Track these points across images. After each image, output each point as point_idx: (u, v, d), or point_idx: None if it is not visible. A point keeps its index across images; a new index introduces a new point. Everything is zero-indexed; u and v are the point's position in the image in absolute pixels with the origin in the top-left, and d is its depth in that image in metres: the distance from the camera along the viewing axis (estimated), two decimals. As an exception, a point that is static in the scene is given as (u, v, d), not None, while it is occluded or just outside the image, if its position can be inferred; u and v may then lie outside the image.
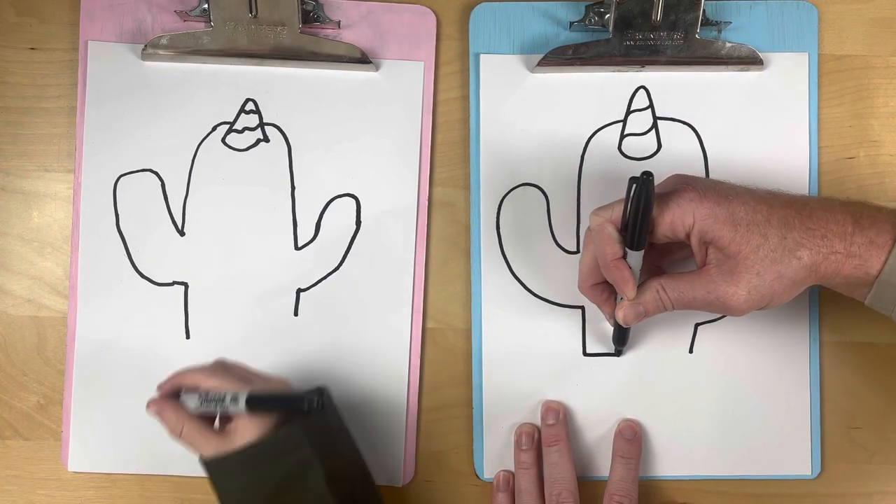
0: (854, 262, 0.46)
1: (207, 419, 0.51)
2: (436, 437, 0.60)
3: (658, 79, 0.59)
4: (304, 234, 0.60)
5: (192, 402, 0.49)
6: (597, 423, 0.59)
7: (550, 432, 0.57)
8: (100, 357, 0.59)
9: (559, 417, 0.58)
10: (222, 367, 0.52)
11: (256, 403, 0.46)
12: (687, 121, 0.59)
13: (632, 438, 0.58)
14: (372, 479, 0.54)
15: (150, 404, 0.50)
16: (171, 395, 0.50)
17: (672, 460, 0.59)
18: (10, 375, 0.60)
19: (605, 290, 0.54)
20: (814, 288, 0.59)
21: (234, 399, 0.47)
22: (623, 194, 0.60)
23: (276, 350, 0.59)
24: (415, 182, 0.60)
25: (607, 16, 0.57)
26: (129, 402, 0.59)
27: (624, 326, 0.54)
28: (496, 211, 0.59)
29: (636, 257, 0.49)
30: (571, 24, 0.58)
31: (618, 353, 0.59)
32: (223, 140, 0.59)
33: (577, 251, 0.59)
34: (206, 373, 0.50)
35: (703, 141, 0.59)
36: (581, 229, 0.59)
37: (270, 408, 0.46)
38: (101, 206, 0.59)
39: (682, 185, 0.49)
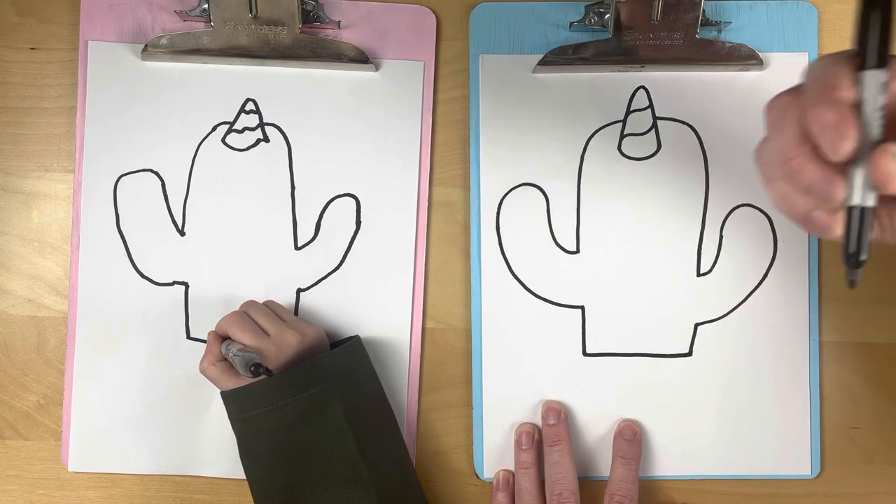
0: None
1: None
2: (436, 437, 0.60)
3: (658, 79, 0.59)
4: (304, 234, 0.60)
5: (222, 348, 0.55)
6: (597, 423, 0.59)
7: (551, 432, 0.57)
8: (100, 357, 0.59)
9: (560, 417, 0.58)
10: (248, 318, 0.55)
11: (238, 363, 0.51)
12: (687, 121, 0.59)
13: (632, 439, 0.58)
14: (397, 426, 0.56)
15: (209, 334, 0.56)
16: (220, 336, 0.56)
17: (672, 460, 0.59)
18: (10, 375, 0.60)
19: (815, 167, 0.33)
20: (813, 288, 0.59)
21: (234, 355, 0.52)
22: (623, 195, 0.60)
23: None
24: (415, 182, 0.60)
25: (607, 16, 0.57)
26: (129, 402, 0.59)
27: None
28: (496, 211, 0.59)
29: (876, 81, 0.32)
30: (571, 24, 0.58)
31: (852, 281, 0.35)
32: (223, 140, 0.59)
33: (577, 251, 0.59)
34: (234, 322, 0.54)
35: (703, 141, 0.59)
36: (581, 229, 0.59)
37: (242, 370, 0.50)
38: (101, 206, 0.59)
39: None
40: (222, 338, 0.55)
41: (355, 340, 0.57)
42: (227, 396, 0.54)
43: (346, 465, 0.51)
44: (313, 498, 0.51)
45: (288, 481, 0.52)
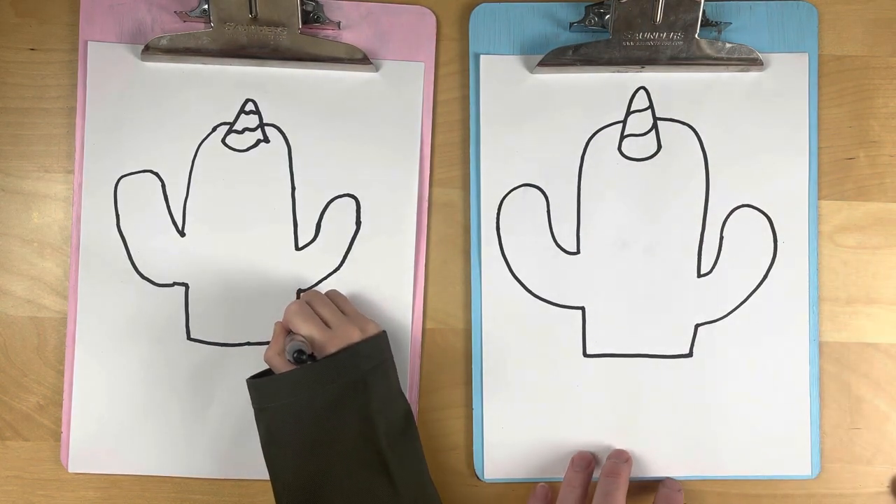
0: None
1: None
2: (435, 437, 0.60)
3: (658, 79, 0.59)
4: (305, 234, 0.60)
5: (285, 343, 0.54)
6: (596, 424, 0.59)
7: (615, 468, 0.57)
8: (100, 357, 0.59)
9: (625, 460, 0.58)
10: (310, 309, 0.55)
11: (292, 356, 0.51)
12: (687, 121, 0.59)
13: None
14: (414, 422, 0.55)
15: (276, 325, 0.55)
16: (286, 328, 0.55)
17: (672, 460, 0.59)
18: (10, 376, 0.60)
19: None
20: (813, 288, 0.59)
21: (287, 341, 0.52)
22: (623, 195, 0.60)
23: (276, 350, 0.59)
24: (415, 182, 0.60)
25: (607, 16, 0.57)
26: (129, 402, 0.59)
27: None
28: (496, 211, 0.59)
29: None
30: (571, 24, 0.58)
31: None
32: (223, 140, 0.59)
33: (577, 251, 0.59)
34: (296, 312, 0.54)
35: (703, 141, 0.59)
36: (581, 229, 0.59)
37: (287, 355, 0.51)
38: (101, 206, 0.59)
39: None
40: (288, 330, 0.55)
41: (382, 334, 0.56)
42: (253, 385, 0.53)
43: (371, 454, 0.51)
44: (337, 486, 0.51)
45: (312, 470, 0.51)
